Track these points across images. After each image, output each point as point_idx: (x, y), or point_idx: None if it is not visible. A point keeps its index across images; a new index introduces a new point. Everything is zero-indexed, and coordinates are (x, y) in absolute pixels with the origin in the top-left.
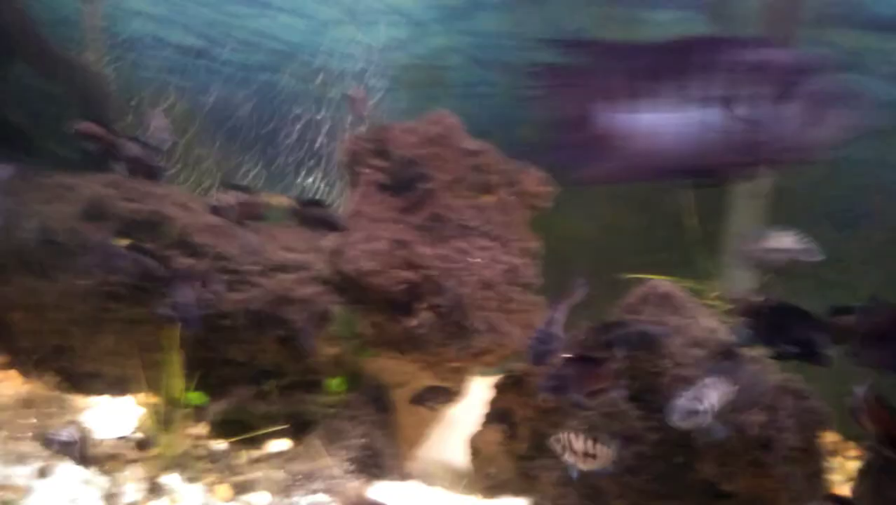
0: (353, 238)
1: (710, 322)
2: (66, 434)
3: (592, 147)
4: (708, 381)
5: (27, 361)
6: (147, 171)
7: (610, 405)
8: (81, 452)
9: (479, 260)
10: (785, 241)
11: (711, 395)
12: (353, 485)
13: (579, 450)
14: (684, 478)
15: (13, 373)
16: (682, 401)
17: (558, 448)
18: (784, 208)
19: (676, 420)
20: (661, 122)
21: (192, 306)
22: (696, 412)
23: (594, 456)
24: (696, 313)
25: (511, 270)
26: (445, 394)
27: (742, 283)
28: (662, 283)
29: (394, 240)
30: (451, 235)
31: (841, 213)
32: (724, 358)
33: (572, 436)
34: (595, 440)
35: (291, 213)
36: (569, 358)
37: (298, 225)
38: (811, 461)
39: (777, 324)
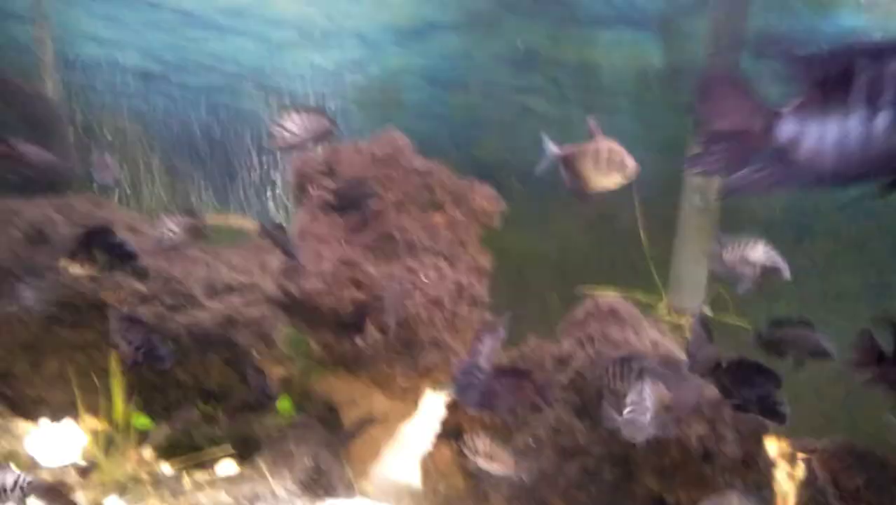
0: (301, 258)
1: (655, 335)
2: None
3: (754, 153)
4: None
5: None
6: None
7: (556, 420)
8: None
9: (426, 280)
10: (758, 253)
11: (648, 397)
12: None
13: (482, 451)
14: (628, 490)
15: None
16: (631, 416)
17: (467, 451)
18: (730, 222)
19: (634, 436)
20: (832, 128)
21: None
22: (643, 425)
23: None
24: (641, 328)
25: (459, 288)
26: None
27: (691, 296)
28: (608, 298)
29: (341, 260)
30: (399, 254)
31: (787, 226)
32: (665, 367)
33: (476, 438)
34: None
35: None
36: (497, 371)
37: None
38: (752, 472)
39: (737, 378)
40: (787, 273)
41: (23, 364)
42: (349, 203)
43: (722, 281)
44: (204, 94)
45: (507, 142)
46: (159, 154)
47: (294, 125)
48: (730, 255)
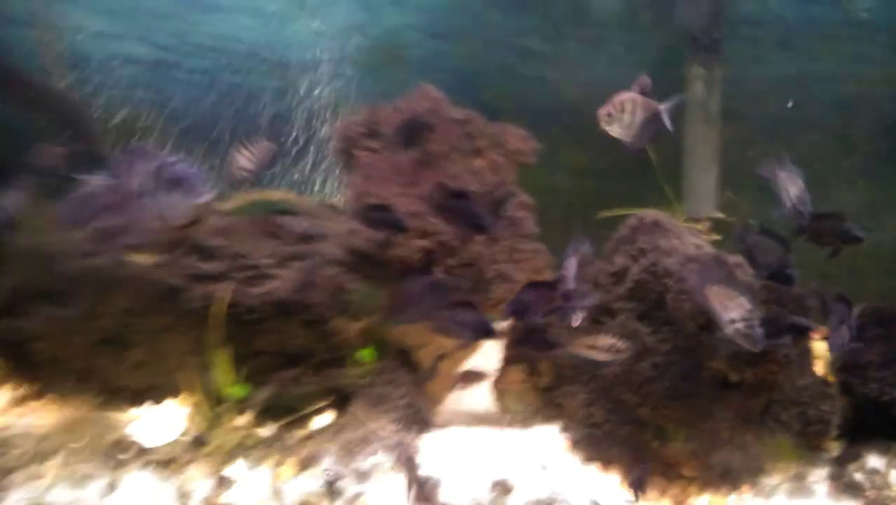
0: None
1: (696, 240)
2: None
3: None
4: (735, 298)
5: (60, 388)
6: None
7: (620, 327)
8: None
9: None
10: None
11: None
12: (404, 440)
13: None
14: (696, 378)
15: (47, 401)
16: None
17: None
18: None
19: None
20: None
21: None
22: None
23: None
24: (683, 235)
25: (513, 224)
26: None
27: (704, 204)
28: (650, 212)
29: (406, 213)
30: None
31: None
32: (719, 269)
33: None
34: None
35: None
36: (527, 284)
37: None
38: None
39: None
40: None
41: (106, 358)
42: (408, 141)
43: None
44: (213, 75)
45: (511, 84)
46: (179, 139)
47: (245, 160)
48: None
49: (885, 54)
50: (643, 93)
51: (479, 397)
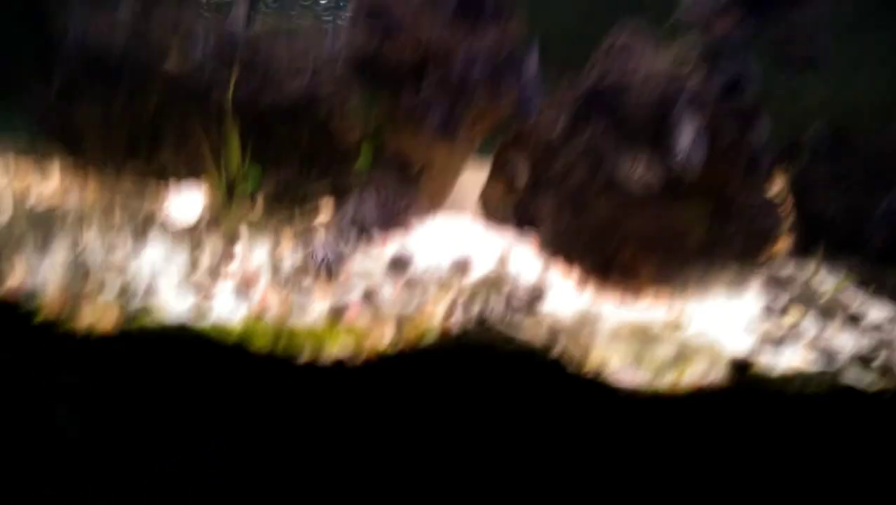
0: (360, 25)
1: (667, 61)
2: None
3: None
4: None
5: (106, 169)
6: None
7: (587, 140)
8: None
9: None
10: None
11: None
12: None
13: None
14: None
15: (95, 181)
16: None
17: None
18: None
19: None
20: None
21: None
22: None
23: None
24: (656, 55)
25: (496, 42)
26: None
27: None
28: (623, 35)
29: (400, 18)
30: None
31: None
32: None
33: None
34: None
35: None
36: None
37: None
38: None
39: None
40: None
41: (145, 143)
42: None
43: None
44: None
45: None
46: None
47: None
48: None
49: None
50: None
51: (469, 207)
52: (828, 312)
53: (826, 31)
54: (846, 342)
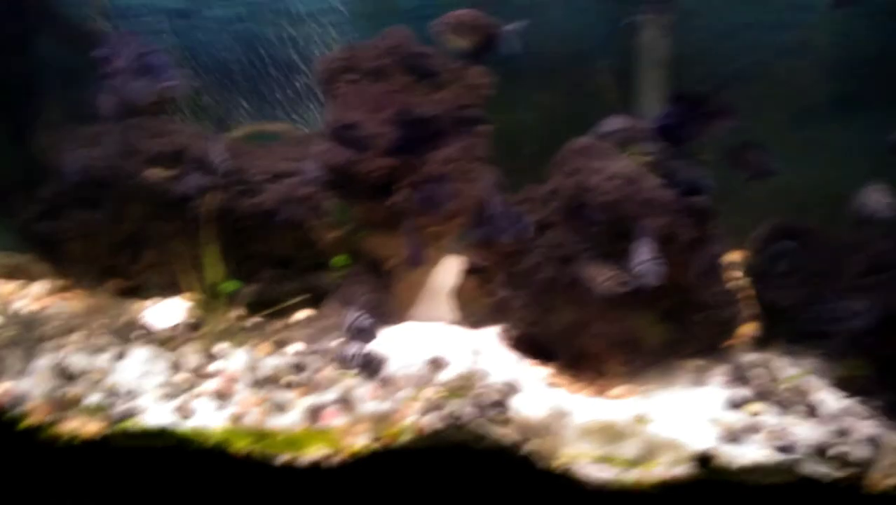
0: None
1: (626, 162)
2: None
3: None
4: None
5: (88, 281)
6: None
7: (553, 237)
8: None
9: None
10: None
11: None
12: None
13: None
14: None
15: (78, 292)
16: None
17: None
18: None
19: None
20: None
21: None
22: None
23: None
24: (613, 157)
25: (466, 148)
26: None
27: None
28: (584, 138)
29: (371, 134)
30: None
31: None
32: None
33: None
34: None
35: None
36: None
37: None
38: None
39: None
40: None
41: (127, 257)
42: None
43: None
44: (231, 24)
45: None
46: (201, 80)
47: None
48: None
49: (824, 4)
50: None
51: (440, 303)
52: (786, 402)
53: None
54: (804, 433)
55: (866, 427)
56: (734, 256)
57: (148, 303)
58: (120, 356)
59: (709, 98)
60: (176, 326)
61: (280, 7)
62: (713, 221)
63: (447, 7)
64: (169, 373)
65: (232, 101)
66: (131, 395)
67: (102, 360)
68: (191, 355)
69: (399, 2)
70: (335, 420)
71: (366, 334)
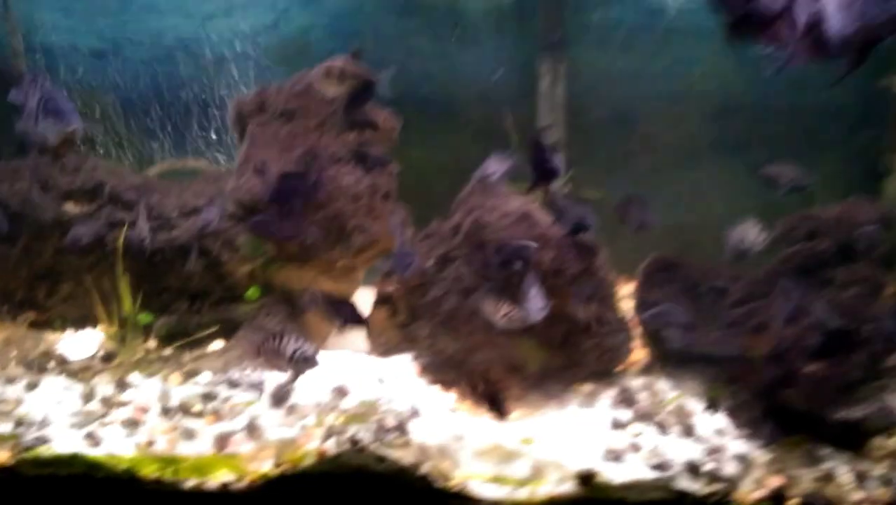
0: (247, 176)
1: (522, 200)
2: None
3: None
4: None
5: (3, 314)
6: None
7: (456, 271)
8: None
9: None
10: None
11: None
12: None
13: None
14: None
15: None
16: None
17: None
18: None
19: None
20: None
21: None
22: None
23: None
24: (509, 197)
25: (374, 186)
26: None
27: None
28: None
29: (279, 171)
30: (323, 165)
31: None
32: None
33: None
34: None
35: None
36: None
37: None
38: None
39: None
40: None
41: (42, 290)
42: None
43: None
44: (149, 65)
45: (401, 77)
46: (121, 119)
47: None
48: None
49: (708, 55)
50: (354, 60)
51: (352, 334)
52: (666, 423)
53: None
54: (679, 451)
55: (736, 445)
56: (626, 287)
57: (63, 335)
58: (33, 387)
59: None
60: (90, 358)
61: (198, 49)
62: (599, 255)
63: (361, 55)
64: (81, 402)
65: (151, 138)
66: (42, 424)
67: (15, 390)
68: (103, 385)
69: (313, 48)
70: (242, 446)
71: (309, 363)
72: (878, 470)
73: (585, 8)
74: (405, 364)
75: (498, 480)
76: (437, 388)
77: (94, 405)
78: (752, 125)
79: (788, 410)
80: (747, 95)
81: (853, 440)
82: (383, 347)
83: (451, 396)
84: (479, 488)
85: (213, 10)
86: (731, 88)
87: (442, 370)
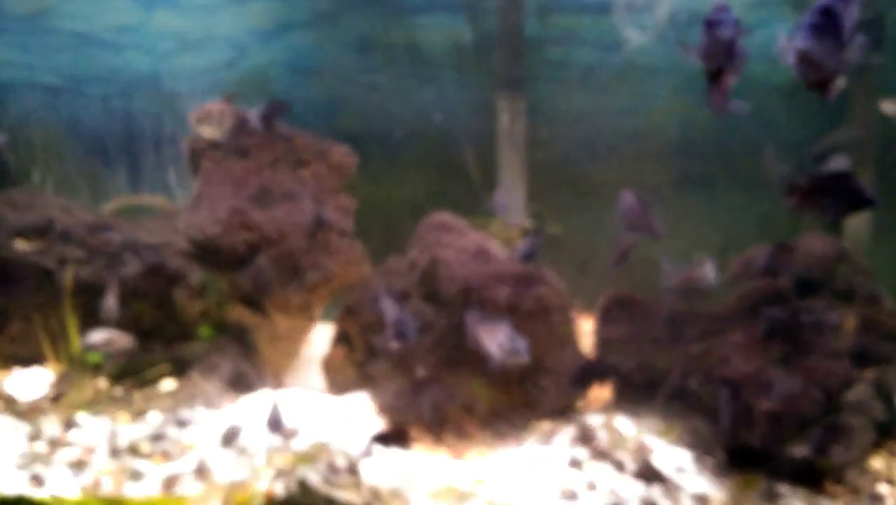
0: (200, 212)
1: (478, 237)
2: None
3: None
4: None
5: None
6: None
7: (414, 308)
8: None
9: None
10: None
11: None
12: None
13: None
14: (461, 347)
15: None
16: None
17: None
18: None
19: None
20: None
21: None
22: (517, 350)
23: None
24: (466, 233)
25: (329, 222)
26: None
27: (516, 213)
28: (440, 214)
29: (232, 209)
30: (277, 202)
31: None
32: (482, 256)
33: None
34: None
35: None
36: None
37: None
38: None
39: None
40: None
41: None
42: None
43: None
44: (106, 100)
45: (360, 113)
46: (76, 155)
47: None
48: None
49: (667, 93)
50: (227, 102)
51: (309, 371)
52: (623, 461)
53: None
54: (635, 490)
55: (695, 483)
56: (587, 322)
57: (11, 374)
58: None
59: None
60: (38, 397)
61: (155, 86)
62: (559, 290)
63: (317, 91)
64: (27, 442)
65: (108, 174)
66: None
67: None
68: (51, 425)
69: (272, 85)
70: (190, 487)
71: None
72: None
73: (544, 45)
74: (362, 403)
75: None
76: (394, 425)
77: (41, 446)
78: (714, 161)
79: (746, 447)
80: (708, 132)
81: (810, 477)
82: (340, 385)
83: (409, 434)
84: None
85: (171, 47)
86: (691, 124)
87: (399, 407)
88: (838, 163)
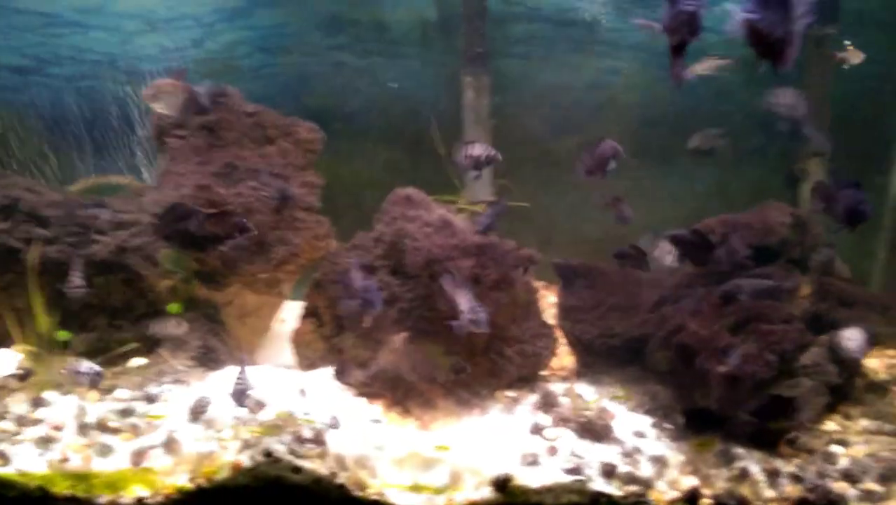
0: (166, 190)
1: (442, 211)
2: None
3: None
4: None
5: None
6: None
7: (380, 280)
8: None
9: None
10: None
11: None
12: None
13: None
14: (427, 316)
15: None
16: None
17: None
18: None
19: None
20: None
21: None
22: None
23: None
24: (430, 206)
25: (294, 199)
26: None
27: (482, 190)
28: (405, 189)
29: (197, 185)
30: (243, 178)
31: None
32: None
33: None
34: None
35: None
36: None
37: None
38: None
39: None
40: None
41: None
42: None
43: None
44: (72, 81)
45: (328, 91)
46: (44, 136)
47: None
48: None
49: (629, 67)
50: (179, 79)
51: (278, 346)
52: (585, 427)
53: None
54: (596, 454)
55: (653, 446)
56: (552, 294)
57: None
58: None
59: None
60: (5, 376)
61: (122, 65)
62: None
63: (284, 68)
64: None
65: (74, 154)
66: None
67: None
68: (18, 404)
69: (240, 63)
70: (159, 461)
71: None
72: (789, 468)
73: (508, 21)
74: (331, 376)
75: (416, 488)
76: (362, 399)
77: (7, 424)
78: (676, 133)
79: (703, 410)
80: (671, 104)
81: (765, 439)
82: (309, 359)
83: (378, 406)
84: (396, 497)
85: (137, 27)
86: (653, 98)
87: (367, 379)
88: (819, 141)
